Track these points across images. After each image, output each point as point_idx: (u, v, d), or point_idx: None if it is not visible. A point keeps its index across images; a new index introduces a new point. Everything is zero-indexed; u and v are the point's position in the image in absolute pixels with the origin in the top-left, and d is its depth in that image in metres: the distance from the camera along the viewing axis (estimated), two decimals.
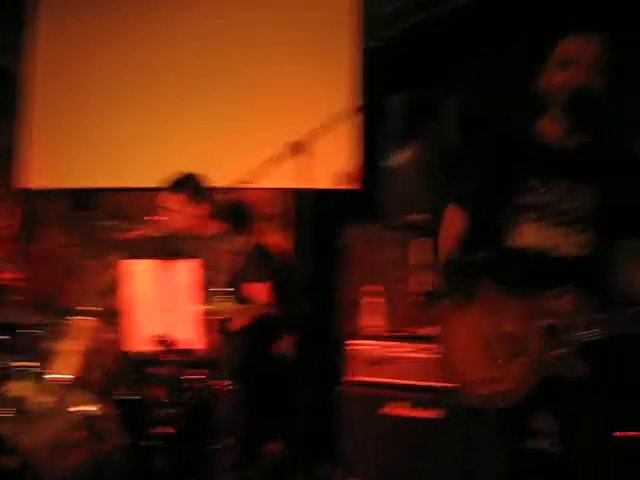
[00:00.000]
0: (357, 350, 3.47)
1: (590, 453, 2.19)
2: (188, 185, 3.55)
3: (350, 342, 3.50)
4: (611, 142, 2.26)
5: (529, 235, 2.20)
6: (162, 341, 2.72)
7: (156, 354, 2.79)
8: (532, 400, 2.18)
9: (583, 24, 2.17)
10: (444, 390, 3.11)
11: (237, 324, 3.44)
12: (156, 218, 2.78)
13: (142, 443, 2.96)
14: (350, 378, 3.47)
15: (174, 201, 3.52)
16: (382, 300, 3.81)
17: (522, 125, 2.32)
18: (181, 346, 2.78)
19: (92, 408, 2.94)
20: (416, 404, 3.29)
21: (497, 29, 3.70)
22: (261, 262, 3.61)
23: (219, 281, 3.52)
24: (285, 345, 3.91)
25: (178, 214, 3.50)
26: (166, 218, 3.47)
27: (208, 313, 2.90)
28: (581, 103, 2.10)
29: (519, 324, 2.18)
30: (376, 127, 3.71)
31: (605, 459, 2.18)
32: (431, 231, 3.67)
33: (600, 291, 2.20)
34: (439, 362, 2.38)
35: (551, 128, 2.23)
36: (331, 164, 3.76)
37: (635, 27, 3.25)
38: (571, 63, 2.12)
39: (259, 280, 3.58)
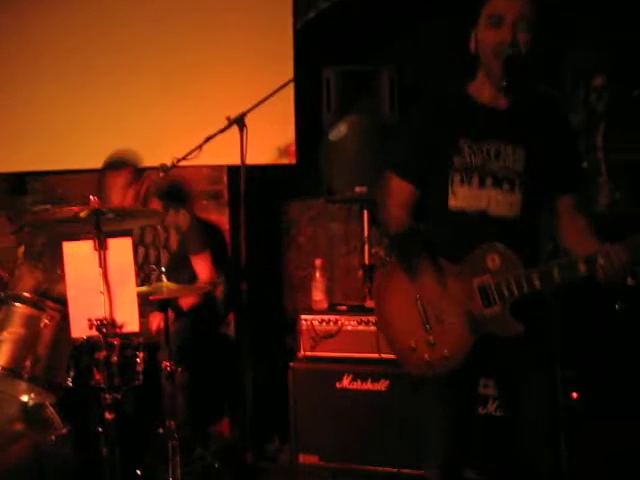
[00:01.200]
0: (307, 325, 3.45)
1: (532, 415, 2.19)
2: (125, 164, 3.50)
3: (300, 318, 3.48)
4: (540, 102, 2.24)
5: (461, 196, 2.19)
6: (101, 324, 2.64)
7: (96, 338, 2.71)
8: (473, 364, 2.17)
9: None
10: (393, 361, 3.13)
11: (185, 304, 3.42)
12: (94, 198, 2.69)
13: (86, 430, 2.90)
14: (301, 354, 3.46)
15: (112, 181, 3.47)
16: (329, 274, 3.81)
17: (453, 87, 2.29)
18: (121, 329, 2.71)
19: (30, 397, 2.87)
20: (367, 377, 3.30)
21: None
22: (201, 236, 3.57)
23: (159, 260, 3.49)
24: (230, 323, 3.88)
25: (117, 194, 3.45)
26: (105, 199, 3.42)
27: (148, 293, 2.84)
28: (510, 62, 2.06)
29: (452, 285, 2.17)
30: (313, 101, 3.67)
31: (546, 421, 2.19)
32: (373, 203, 3.69)
33: (531, 248, 2.21)
34: (378, 332, 2.37)
35: (482, 89, 2.21)
36: (269, 139, 3.71)
37: None
38: (500, 21, 2.08)
39: (198, 252, 3.55)
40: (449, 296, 2.15)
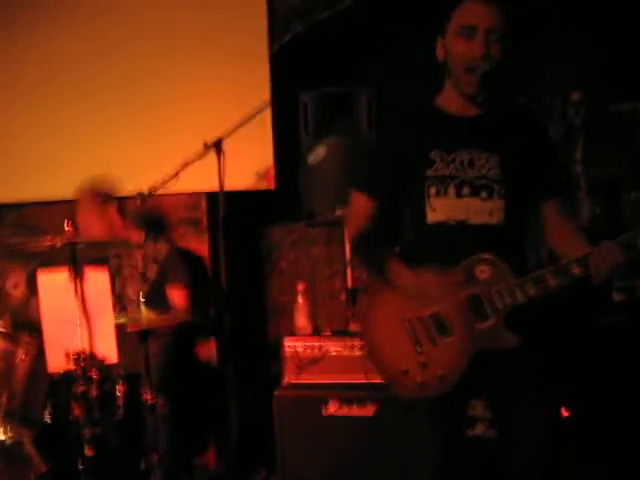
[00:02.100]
0: (291, 352, 3.39)
1: (525, 433, 2.13)
2: (96, 190, 3.49)
3: (284, 344, 3.42)
4: (517, 112, 2.23)
5: (439, 209, 2.15)
6: (79, 357, 2.58)
7: (73, 371, 2.65)
8: (466, 384, 2.11)
9: None
10: (379, 385, 3.08)
11: (160, 333, 3.36)
12: (69, 228, 2.65)
13: (66, 467, 2.81)
14: (286, 381, 3.39)
15: (84, 207, 3.46)
16: (312, 299, 3.76)
17: (420, 101, 2.27)
18: (99, 361, 2.65)
19: (6, 435, 2.78)
20: (354, 402, 3.24)
21: (405, 16, 3.69)
22: (179, 267, 3.51)
23: (137, 289, 3.43)
24: (211, 352, 3.82)
25: (89, 221, 3.42)
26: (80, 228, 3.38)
27: (126, 324, 2.78)
28: (487, 77, 2.04)
29: (441, 302, 2.11)
30: (291, 124, 3.65)
31: (539, 439, 2.13)
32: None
33: (519, 257, 2.17)
34: (366, 357, 2.31)
35: (449, 99, 2.19)
36: (247, 164, 3.69)
37: None
38: (472, 32, 2.06)
39: (174, 284, 3.50)
40: (434, 311, 2.11)
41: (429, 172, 2.14)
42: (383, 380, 2.26)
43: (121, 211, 3.54)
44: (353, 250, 2.36)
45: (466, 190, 2.13)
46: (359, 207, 2.29)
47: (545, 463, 2.13)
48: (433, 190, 2.14)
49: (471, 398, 2.43)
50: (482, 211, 2.13)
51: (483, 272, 2.09)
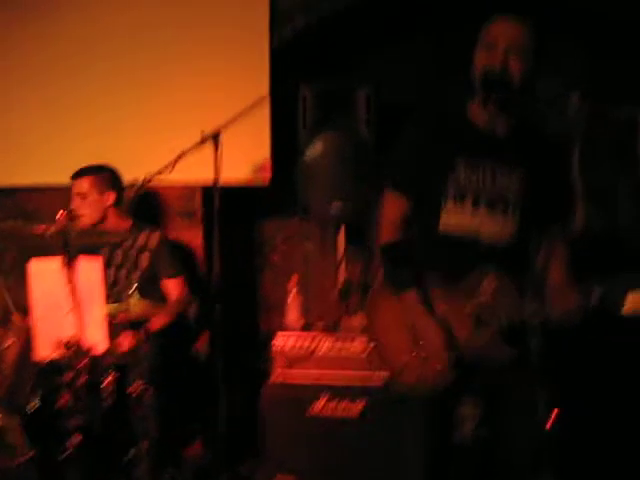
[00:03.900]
0: (281, 345, 3.40)
1: (514, 440, 2.20)
2: (96, 171, 3.45)
3: (274, 337, 3.44)
4: (534, 127, 2.27)
5: (453, 217, 2.19)
6: (68, 345, 2.57)
7: (62, 359, 2.64)
8: (458, 386, 2.18)
9: (508, 8, 2.15)
10: (369, 386, 3.10)
11: (155, 324, 3.35)
12: (62, 214, 2.63)
13: (52, 454, 2.81)
14: (275, 374, 3.40)
15: (82, 185, 3.41)
16: (304, 294, 3.76)
17: (453, 106, 2.30)
18: (89, 349, 2.64)
19: None
20: (343, 398, 3.25)
21: (408, 17, 3.69)
22: (172, 257, 3.50)
23: (129, 279, 3.41)
24: (202, 344, 3.81)
25: (87, 201, 3.39)
26: (75, 208, 3.34)
27: (118, 313, 2.78)
28: (496, 85, 2.08)
29: (445, 308, 2.18)
30: (288, 118, 3.64)
31: (529, 445, 2.18)
32: (349, 221, 3.67)
33: (523, 275, 2.20)
34: (373, 350, 2.36)
35: (479, 112, 2.21)
36: (243, 156, 3.69)
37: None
38: (492, 47, 2.10)
39: (170, 276, 3.47)
40: (437, 320, 2.16)
41: (451, 178, 2.18)
42: (385, 368, 2.31)
43: (118, 202, 3.51)
44: (381, 257, 2.37)
45: (482, 203, 2.18)
46: (392, 210, 2.30)
47: (536, 459, 2.17)
48: (451, 197, 2.18)
49: (462, 398, 2.47)
50: (494, 226, 2.18)
51: (489, 286, 2.14)
